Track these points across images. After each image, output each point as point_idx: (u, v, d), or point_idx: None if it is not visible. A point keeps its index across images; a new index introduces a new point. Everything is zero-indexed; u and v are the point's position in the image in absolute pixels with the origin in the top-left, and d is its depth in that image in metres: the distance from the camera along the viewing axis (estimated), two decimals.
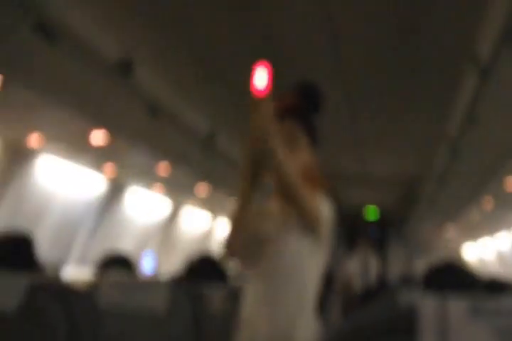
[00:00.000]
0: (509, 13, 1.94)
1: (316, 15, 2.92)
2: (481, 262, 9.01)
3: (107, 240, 5.60)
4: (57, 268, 4.29)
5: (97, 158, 4.52)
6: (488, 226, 6.61)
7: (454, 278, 1.86)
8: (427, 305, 0.53)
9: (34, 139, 3.82)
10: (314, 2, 2.81)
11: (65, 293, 1.19)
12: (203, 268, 2.28)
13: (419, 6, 2.91)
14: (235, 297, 1.97)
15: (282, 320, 1.64)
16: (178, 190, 6.14)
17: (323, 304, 4.55)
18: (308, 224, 1.58)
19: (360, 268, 8.67)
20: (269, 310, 1.65)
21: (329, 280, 5.42)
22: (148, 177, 5.28)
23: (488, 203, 5.03)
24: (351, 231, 10.56)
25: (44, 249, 4.38)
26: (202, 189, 5.80)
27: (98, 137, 3.65)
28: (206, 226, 8.05)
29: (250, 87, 1.52)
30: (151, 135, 3.76)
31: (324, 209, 1.63)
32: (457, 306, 0.53)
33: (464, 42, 2.55)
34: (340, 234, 10.54)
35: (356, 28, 3.20)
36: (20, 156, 4.13)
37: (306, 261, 1.69)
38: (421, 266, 9.95)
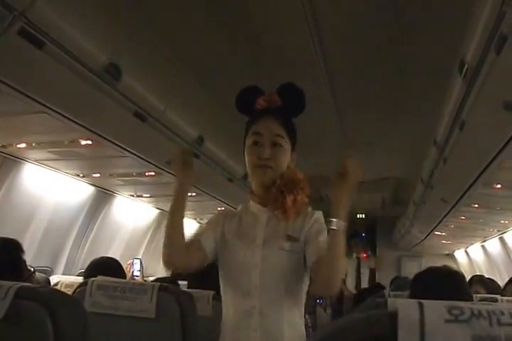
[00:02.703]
0: (496, 17, 1.95)
1: (303, 16, 2.93)
2: (470, 266, 9.04)
3: (95, 246, 5.58)
4: (45, 273, 4.27)
5: (85, 164, 4.50)
6: (477, 229, 6.64)
7: (438, 282, 1.88)
8: (407, 310, 0.53)
9: (21, 146, 3.80)
10: (301, 4, 2.83)
11: (52, 297, 1.18)
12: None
13: (406, 11, 2.94)
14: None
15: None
16: (166, 197, 6.12)
17: (314, 307, 4.58)
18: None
19: (352, 271, 8.76)
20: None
21: None
22: (137, 184, 5.26)
23: (476, 207, 5.05)
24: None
25: (32, 255, 4.36)
26: (189, 196, 5.76)
27: (86, 143, 3.63)
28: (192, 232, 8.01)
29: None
30: (140, 141, 3.75)
31: None
32: (435, 311, 0.53)
33: (451, 46, 2.57)
34: None
35: (344, 30, 3.22)
36: (7, 163, 4.10)
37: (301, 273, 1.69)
38: (411, 269, 10.00)
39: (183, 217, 1.77)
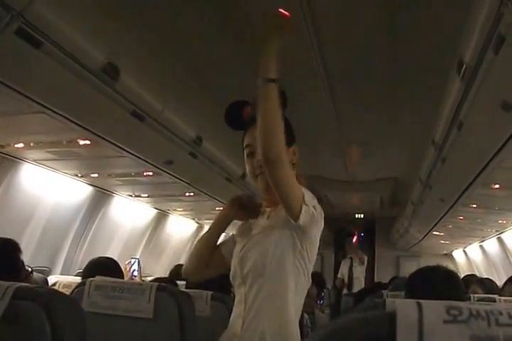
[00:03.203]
0: (494, 18, 1.95)
1: (302, 17, 2.93)
2: (468, 265, 9.05)
3: (93, 246, 5.57)
4: (43, 273, 4.26)
5: (83, 164, 4.49)
6: (475, 229, 6.64)
7: (434, 282, 1.87)
8: (405, 311, 0.53)
9: (19, 146, 3.79)
10: (300, 4, 2.83)
11: (50, 297, 1.17)
12: None
13: (405, 11, 2.94)
14: (220, 299, 1.97)
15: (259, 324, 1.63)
16: (165, 197, 6.11)
17: (312, 307, 4.59)
18: (291, 213, 1.58)
19: (348, 271, 8.76)
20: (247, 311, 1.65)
21: (320, 283, 5.42)
22: (135, 184, 5.25)
23: (475, 207, 5.05)
24: (340, 235, 10.62)
25: (30, 255, 4.35)
26: (188, 196, 5.77)
27: (84, 143, 3.63)
28: (191, 233, 8.03)
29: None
30: (138, 141, 3.75)
31: (311, 201, 1.64)
32: (433, 311, 0.53)
33: (449, 47, 2.57)
34: (330, 238, 10.65)
35: (343, 30, 3.22)
36: (5, 163, 4.09)
37: (292, 265, 1.68)
38: (409, 269, 9.97)
39: (218, 237, 1.91)
